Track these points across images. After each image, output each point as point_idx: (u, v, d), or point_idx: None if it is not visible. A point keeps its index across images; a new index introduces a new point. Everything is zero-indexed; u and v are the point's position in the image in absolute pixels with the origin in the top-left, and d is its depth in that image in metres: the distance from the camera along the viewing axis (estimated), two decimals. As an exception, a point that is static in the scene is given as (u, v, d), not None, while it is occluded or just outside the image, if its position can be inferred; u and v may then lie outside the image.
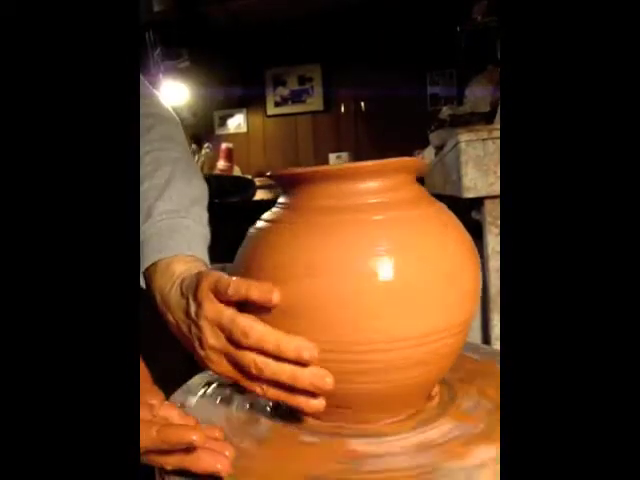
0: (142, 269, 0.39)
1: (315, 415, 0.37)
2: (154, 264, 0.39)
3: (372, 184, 0.35)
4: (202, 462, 0.30)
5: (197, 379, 0.48)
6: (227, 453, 0.31)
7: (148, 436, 0.30)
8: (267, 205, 0.39)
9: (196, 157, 2.53)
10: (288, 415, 0.39)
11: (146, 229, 0.40)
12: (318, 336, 0.33)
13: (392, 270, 0.32)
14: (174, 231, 0.40)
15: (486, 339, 0.78)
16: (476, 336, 0.79)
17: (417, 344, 0.33)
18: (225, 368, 0.35)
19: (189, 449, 0.31)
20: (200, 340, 0.35)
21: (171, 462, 0.31)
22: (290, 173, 0.36)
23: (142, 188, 0.42)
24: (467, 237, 0.37)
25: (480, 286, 0.37)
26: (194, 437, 0.29)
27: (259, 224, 0.38)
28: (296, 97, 3.33)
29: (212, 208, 0.63)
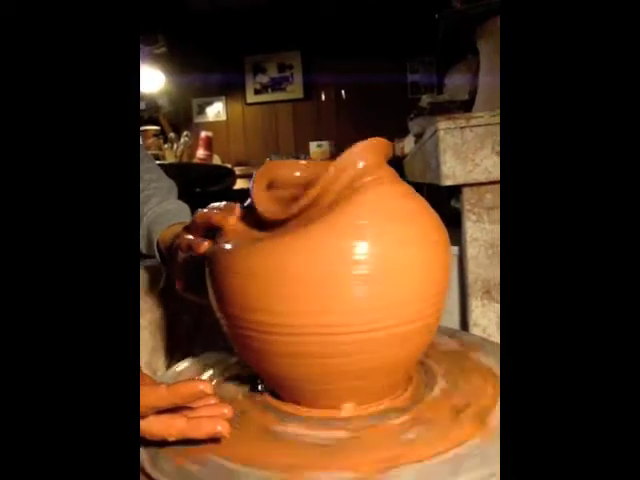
0: (156, 237, 0.57)
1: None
2: (164, 231, 0.57)
3: (341, 174, 0.36)
4: (203, 428, 0.32)
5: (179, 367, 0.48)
6: (226, 411, 0.33)
7: (158, 395, 0.32)
8: (247, 194, 0.40)
9: (175, 146, 2.49)
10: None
11: (152, 214, 0.59)
12: (295, 319, 0.33)
13: (366, 255, 0.33)
14: (168, 212, 0.59)
15: (464, 325, 0.79)
16: (454, 321, 0.81)
17: (389, 325, 0.34)
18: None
19: (190, 417, 0.33)
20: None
21: (174, 433, 0.33)
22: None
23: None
24: (438, 224, 0.38)
25: (449, 268, 0.38)
26: (201, 387, 0.32)
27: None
28: (276, 85, 3.29)
29: (192, 197, 0.63)
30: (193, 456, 0.33)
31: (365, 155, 0.36)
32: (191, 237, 0.45)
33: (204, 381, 0.33)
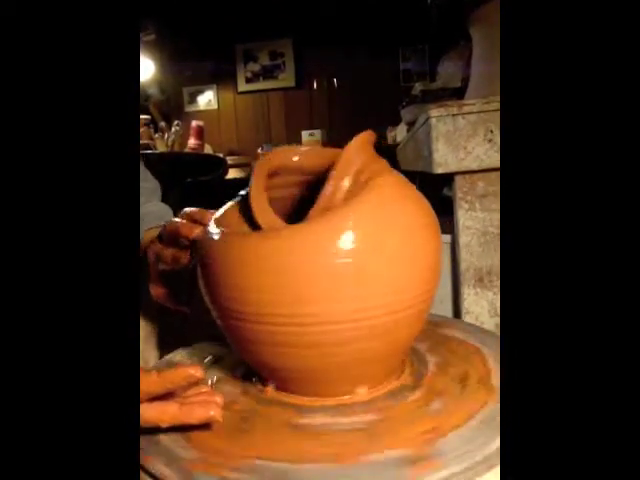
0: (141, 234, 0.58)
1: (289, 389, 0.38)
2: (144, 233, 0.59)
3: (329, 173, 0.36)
4: (195, 413, 0.33)
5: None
6: (217, 400, 0.33)
7: (150, 381, 0.32)
8: (239, 184, 0.40)
9: (165, 135, 2.47)
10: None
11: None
12: (285, 309, 0.33)
13: (352, 249, 0.33)
14: (150, 213, 0.60)
15: (457, 313, 0.80)
16: (447, 309, 0.81)
17: (387, 312, 0.34)
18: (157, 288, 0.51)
19: (183, 403, 0.33)
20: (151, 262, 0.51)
21: (166, 419, 0.33)
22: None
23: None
24: (429, 211, 0.38)
25: (441, 258, 0.38)
26: (192, 371, 0.32)
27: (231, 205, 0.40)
28: (268, 73, 3.27)
29: (184, 187, 0.63)
30: (232, 464, 0.31)
31: (361, 152, 0.36)
32: (174, 250, 0.47)
33: (195, 366, 0.33)
